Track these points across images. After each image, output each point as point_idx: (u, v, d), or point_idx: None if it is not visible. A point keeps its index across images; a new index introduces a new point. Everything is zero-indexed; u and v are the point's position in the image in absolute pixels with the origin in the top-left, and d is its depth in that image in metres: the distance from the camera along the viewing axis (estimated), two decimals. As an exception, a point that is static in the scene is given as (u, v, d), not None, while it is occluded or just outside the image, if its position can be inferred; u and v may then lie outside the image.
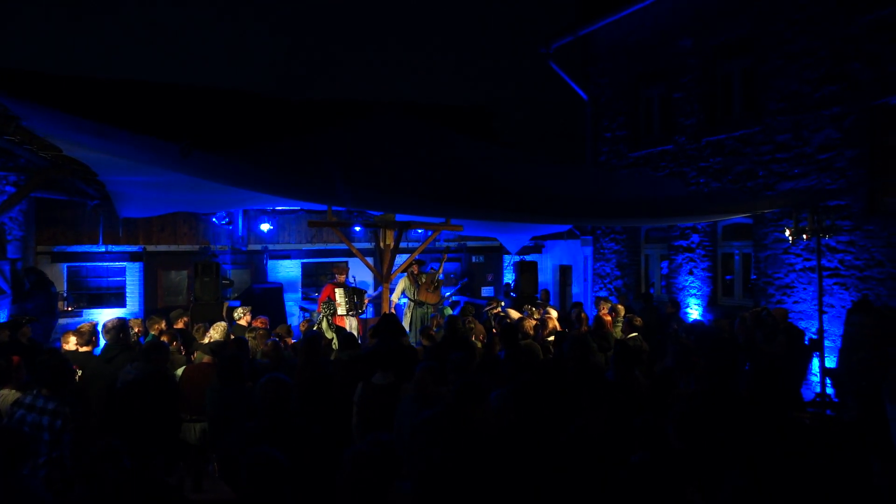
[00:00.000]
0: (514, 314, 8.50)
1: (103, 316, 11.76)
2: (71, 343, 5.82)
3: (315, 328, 8.45)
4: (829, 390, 7.50)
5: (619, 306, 8.99)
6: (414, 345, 7.58)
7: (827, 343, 7.92)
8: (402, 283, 10.64)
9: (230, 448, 3.46)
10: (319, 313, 9.19)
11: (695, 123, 10.53)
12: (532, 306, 9.84)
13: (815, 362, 7.86)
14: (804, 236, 7.57)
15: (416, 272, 10.68)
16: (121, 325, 5.88)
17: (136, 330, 7.85)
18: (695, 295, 10.66)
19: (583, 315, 8.60)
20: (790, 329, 7.50)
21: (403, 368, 5.01)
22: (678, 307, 10.23)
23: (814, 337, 7.90)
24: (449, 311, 10.86)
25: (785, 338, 6.90)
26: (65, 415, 3.83)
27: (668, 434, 3.21)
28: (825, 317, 7.94)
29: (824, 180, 8.52)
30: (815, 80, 8.59)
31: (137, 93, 13.63)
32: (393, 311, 9.64)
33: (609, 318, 7.84)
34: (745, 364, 6.56)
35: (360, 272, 12.83)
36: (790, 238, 7.70)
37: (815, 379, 7.92)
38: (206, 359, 5.81)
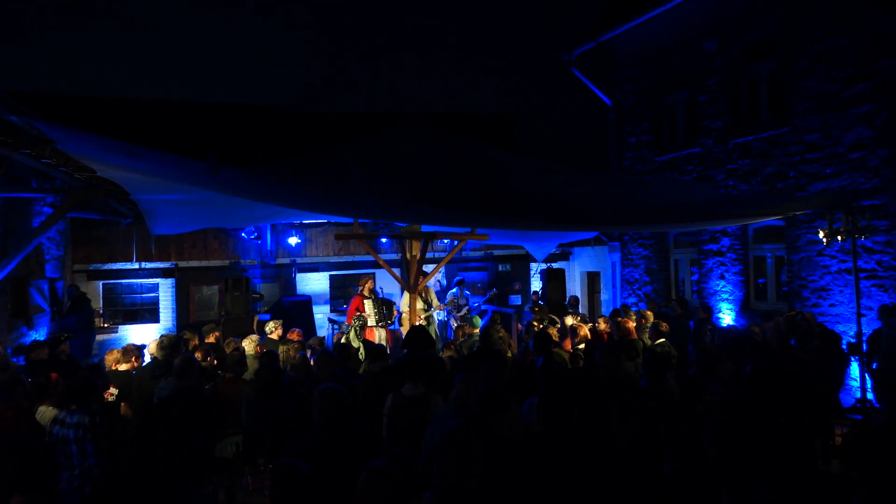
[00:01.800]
0: (567, 321, 8.39)
1: (138, 332, 12.03)
2: (112, 361, 6.00)
3: (343, 339, 8.51)
4: (871, 395, 7.28)
5: (648, 312, 8.87)
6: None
7: (865, 348, 7.70)
8: (407, 296, 10.58)
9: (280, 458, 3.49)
10: (349, 325, 9.24)
11: (721, 126, 10.39)
12: (554, 315, 9.76)
13: (855, 367, 7.65)
14: (839, 237, 7.40)
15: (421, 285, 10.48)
16: (176, 345, 6.00)
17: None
18: (727, 300, 10.47)
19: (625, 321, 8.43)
20: (825, 333, 7.32)
21: (433, 379, 5.01)
22: (710, 312, 10.04)
23: (852, 341, 7.69)
24: (478, 321, 10.80)
25: (820, 342, 6.74)
26: (85, 426, 3.93)
27: (701, 443, 3.15)
28: (863, 319, 7.72)
29: (858, 180, 8.32)
30: (844, 79, 8.42)
31: (165, 112, 13.95)
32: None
33: (631, 324, 7.68)
34: (779, 370, 6.41)
35: (387, 283, 12.90)
36: (824, 240, 7.52)
37: (855, 384, 7.71)
38: (228, 375, 5.89)
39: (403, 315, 10.03)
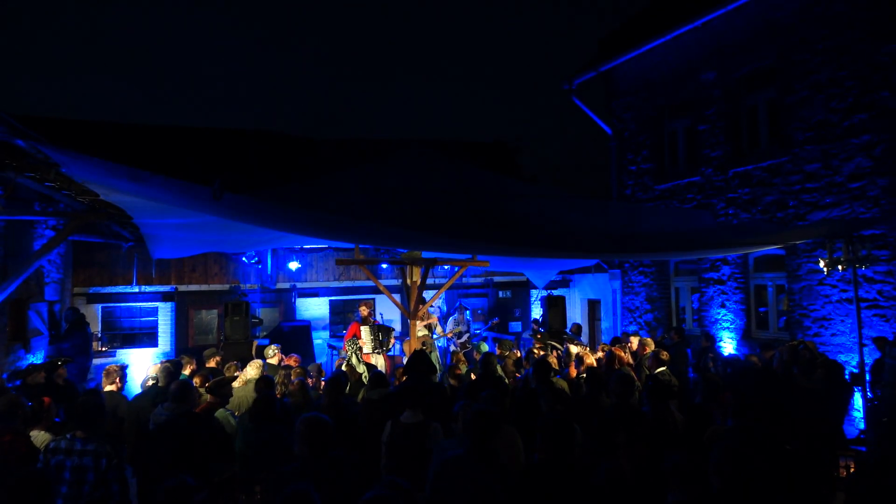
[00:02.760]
0: (572, 349, 8.36)
1: (136, 356, 11.96)
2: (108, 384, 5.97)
3: (344, 365, 8.44)
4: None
5: (649, 340, 8.85)
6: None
7: (868, 377, 7.64)
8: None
9: (271, 487, 3.44)
10: (346, 351, 9.18)
11: (721, 155, 10.47)
12: (555, 342, 9.72)
13: (858, 397, 7.58)
14: (839, 267, 7.39)
15: (423, 311, 10.39)
16: (174, 369, 5.95)
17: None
18: (728, 328, 10.43)
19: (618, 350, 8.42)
20: (828, 363, 7.27)
21: (433, 407, 4.96)
22: (712, 341, 10.01)
23: (854, 371, 7.63)
24: (485, 348, 10.74)
25: (824, 372, 6.68)
26: (108, 454, 3.85)
27: (707, 473, 3.11)
28: (866, 349, 7.68)
29: (858, 209, 8.36)
30: (843, 109, 8.51)
31: (170, 137, 14.07)
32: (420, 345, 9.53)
33: (622, 353, 7.66)
34: (783, 400, 6.35)
35: (387, 309, 12.86)
36: (825, 269, 7.51)
37: (858, 415, 7.63)
38: (208, 398, 5.81)
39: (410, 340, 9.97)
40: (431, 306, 10.75)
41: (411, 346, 8.87)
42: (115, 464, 3.85)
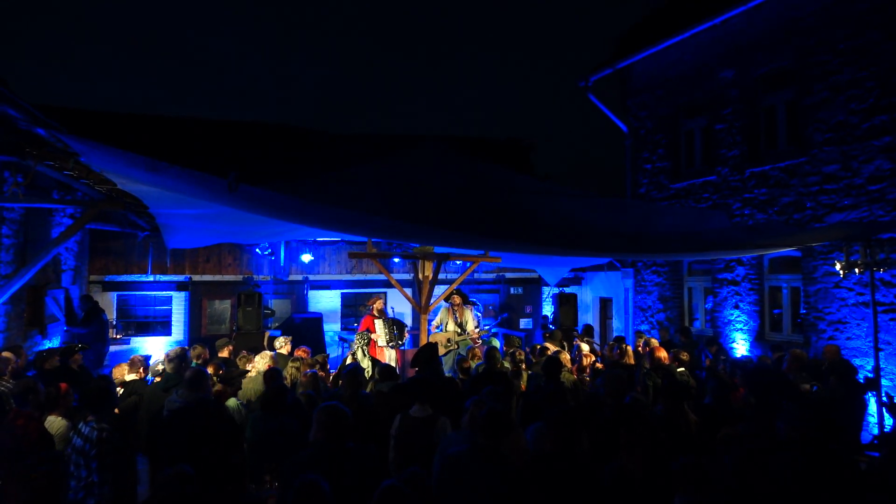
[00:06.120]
0: (552, 347, 8.38)
1: (150, 344, 12.10)
2: (124, 372, 6.05)
3: (349, 359, 8.47)
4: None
5: (653, 340, 8.82)
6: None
7: (884, 382, 7.56)
8: (441, 315, 10.47)
9: (284, 474, 3.47)
10: (354, 344, 9.20)
11: (738, 155, 10.37)
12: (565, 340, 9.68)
13: (873, 403, 7.50)
14: (856, 270, 7.31)
15: (456, 303, 10.43)
16: (182, 355, 6.02)
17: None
18: (741, 329, 10.35)
19: (625, 347, 8.40)
20: (843, 367, 7.20)
21: (441, 401, 4.98)
22: (720, 341, 9.95)
23: (869, 375, 7.55)
24: (494, 343, 10.71)
25: (837, 376, 6.61)
26: (91, 440, 3.89)
27: (715, 474, 3.09)
28: (882, 354, 7.60)
29: (876, 212, 8.25)
30: (864, 110, 8.39)
31: (188, 129, 14.16)
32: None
33: (664, 352, 7.52)
34: (795, 403, 6.30)
35: (398, 303, 12.90)
36: (841, 272, 7.43)
37: (873, 420, 7.55)
38: (218, 387, 5.88)
39: (433, 333, 9.85)
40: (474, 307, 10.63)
41: (441, 338, 8.86)
42: (94, 453, 3.81)
